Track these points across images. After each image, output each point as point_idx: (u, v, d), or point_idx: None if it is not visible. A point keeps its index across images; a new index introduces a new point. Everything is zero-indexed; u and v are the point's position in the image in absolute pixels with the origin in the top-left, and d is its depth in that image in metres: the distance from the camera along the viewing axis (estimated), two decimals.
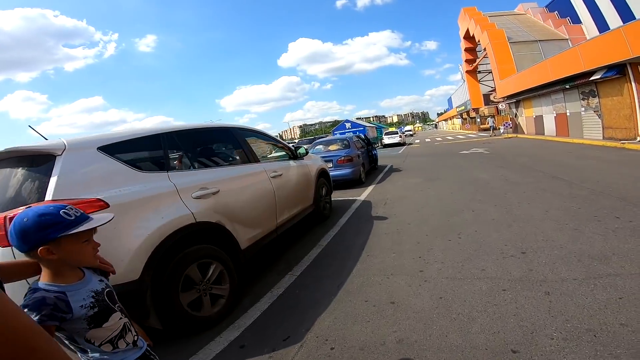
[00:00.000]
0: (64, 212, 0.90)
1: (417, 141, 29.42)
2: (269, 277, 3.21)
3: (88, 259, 0.98)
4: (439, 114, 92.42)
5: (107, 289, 1.04)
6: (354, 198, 6.48)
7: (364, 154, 9.19)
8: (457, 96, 44.15)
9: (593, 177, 5.55)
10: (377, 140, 29.61)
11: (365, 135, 11.27)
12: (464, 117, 41.58)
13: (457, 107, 43.77)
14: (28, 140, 2.88)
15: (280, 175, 3.70)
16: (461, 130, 41.22)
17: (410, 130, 56.49)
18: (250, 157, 3.44)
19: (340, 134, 28.00)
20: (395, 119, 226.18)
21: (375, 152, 10.12)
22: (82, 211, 0.95)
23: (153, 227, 2.12)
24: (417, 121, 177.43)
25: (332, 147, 8.70)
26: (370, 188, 7.41)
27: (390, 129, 33.11)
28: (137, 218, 2.07)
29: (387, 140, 26.17)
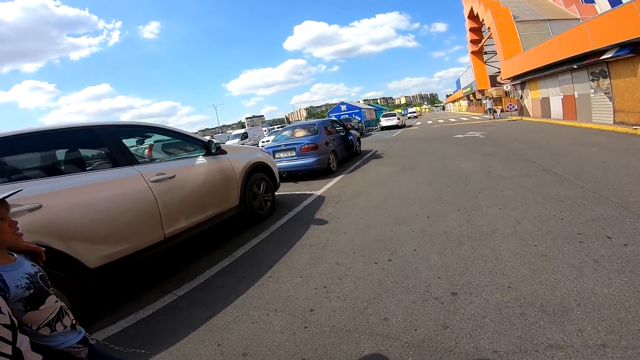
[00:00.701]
0: None
1: (418, 123, 27.99)
2: (150, 295, 2.64)
3: (7, 237, 0.99)
4: (447, 96, 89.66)
5: (40, 273, 1.05)
6: (311, 192, 5.61)
7: (338, 140, 8.22)
8: (465, 78, 42.26)
9: (592, 172, 4.54)
10: (375, 123, 28.36)
11: (340, 120, 10.24)
12: (470, 98, 39.78)
13: (463, 89, 41.89)
14: None
15: (172, 177, 2.88)
16: (467, 112, 39.55)
17: (414, 112, 54.61)
18: (118, 160, 2.63)
19: (336, 116, 26.89)
20: (403, 101, 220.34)
21: (352, 137, 9.11)
22: None
23: None
24: (425, 103, 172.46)
25: (298, 134, 7.75)
26: (336, 179, 6.52)
27: (389, 112, 31.70)
28: None
29: (384, 122, 24.97)
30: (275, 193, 4.91)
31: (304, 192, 5.73)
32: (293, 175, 7.20)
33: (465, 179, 5.10)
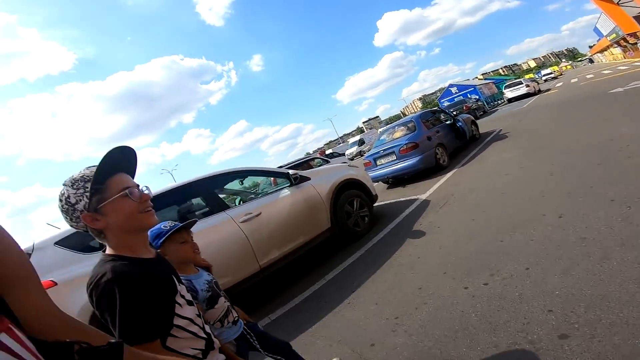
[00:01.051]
0: (163, 225, 1.26)
1: (559, 85, 21.73)
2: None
3: (188, 255, 1.30)
4: (590, 47, 66.73)
5: (214, 280, 1.35)
6: (415, 197, 5.16)
7: (445, 131, 7.29)
8: (603, 25, 31.05)
9: None
10: (500, 96, 23.73)
11: (443, 108, 9.03)
12: (622, 44, 28.73)
13: (607, 36, 31.07)
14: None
15: (258, 215, 3.24)
16: (624, 60, 28.54)
17: (551, 74, 43.68)
18: (213, 208, 3.18)
19: (449, 100, 24.15)
20: (532, 64, 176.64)
21: (461, 124, 7.85)
22: (175, 223, 1.29)
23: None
24: (564, 60, 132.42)
25: (396, 135, 7.31)
26: (447, 176, 5.80)
27: (513, 80, 25.93)
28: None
29: (509, 94, 20.63)
30: (377, 204, 4.76)
31: (408, 198, 5.33)
32: (400, 179, 6.83)
33: (628, 149, 3.56)
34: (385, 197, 6.21)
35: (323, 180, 4.03)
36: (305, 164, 13.47)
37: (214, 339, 1.04)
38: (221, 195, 3.69)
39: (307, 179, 3.87)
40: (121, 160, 0.90)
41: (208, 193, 3.28)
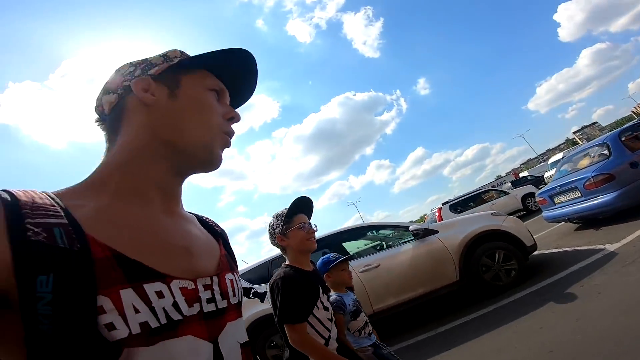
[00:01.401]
0: (331, 256, 1.78)
1: None
2: None
3: (345, 279, 1.75)
4: None
5: (357, 299, 1.74)
6: (601, 247, 4.06)
7: None
8: None
9: None
10: None
11: None
12: None
13: None
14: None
15: (377, 266, 3.90)
16: None
17: None
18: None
19: None
20: None
21: None
22: (339, 255, 1.79)
23: None
24: None
25: (582, 163, 5.80)
26: None
27: None
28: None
29: None
30: (551, 250, 4.16)
31: (592, 247, 4.24)
32: (591, 219, 5.37)
33: None
34: (566, 241, 5.09)
35: (453, 233, 4.11)
36: (478, 197, 12.32)
37: (333, 343, 1.33)
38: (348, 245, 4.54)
39: (434, 232, 4.11)
40: (302, 205, 1.43)
41: (336, 245, 4.24)
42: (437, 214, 12.05)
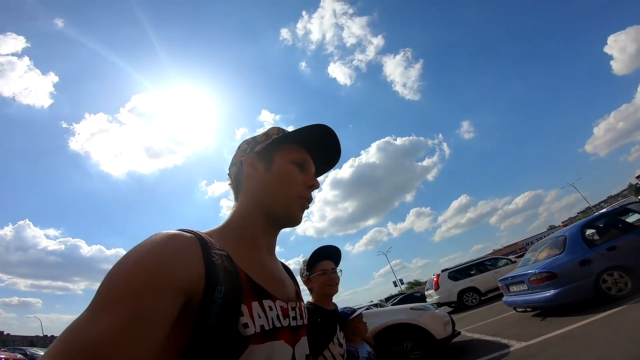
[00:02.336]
0: (347, 309, 1.85)
1: None
2: None
3: (362, 333, 1.87)
4: None
5: (372, 352, 1.83)
6: (509, 342, 4.38)
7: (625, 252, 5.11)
8: None
9: None
10: None
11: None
12: None
13: None
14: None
15: None
16: None
17: None
18: None
19: None
20: None
21: None
22: (354, 309, 1.87)
23: None
24: None
25: (540, 255, 5.96)
26: (597, 317, 4.27)
27: None
28: None
29: None
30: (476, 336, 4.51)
31: (498, 341, 4.65)
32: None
33: None
34: (501, 330, 5.35)
35: (371, 322, 4.55)
36: (481, 265, 12.06)
37: None
38: None
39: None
40: (326, 253, 1.56)
41: None
42: (434, 280, 11.96)
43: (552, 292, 5.02)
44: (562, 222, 53.17)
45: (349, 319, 1.80)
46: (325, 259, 1.56)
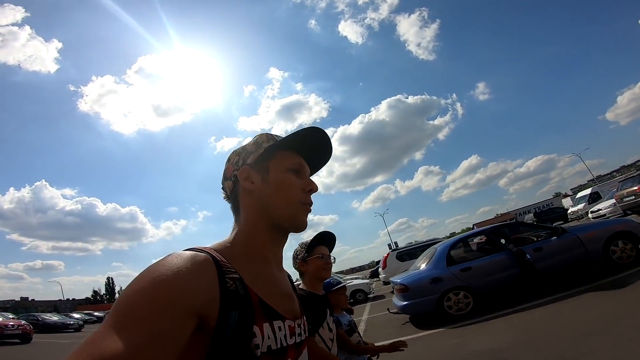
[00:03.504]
0: (332, 280, 1.93)
1: None
2: None
3: (342, 304, 1.99)
4: None
5: (352, 321, 1.97)
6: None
7: (494, 264, 5.56)
8: None
9: None
10: None
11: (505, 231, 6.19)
12: None
13: None
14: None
15: None
16: None
17: None
18: None
19: None
20: None
21: (530, 256, 5.40)
22: (339, 281, 1.99)
23: None
24: None
25: (421, 263, 6.46)
26: (422, 334, 4.99)
27: None
28: None
29: None
30: None
31: None
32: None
33: None
34: (370, 325, 6.04)
35: None
36: (428, 247, 12.59)
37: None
38: None
39: None
40: (325, 239, 1.61)
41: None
42: (384, 258, 12.76)
43: (404, 302, 5.71)
44: (571, 189, 52.01)
45: (332, 290, 1.89)
46: (324, 244, 1.61)
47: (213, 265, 0.54)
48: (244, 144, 0.75)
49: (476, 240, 6.36)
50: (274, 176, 0.68)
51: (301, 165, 0.72)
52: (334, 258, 1.61)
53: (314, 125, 0.71)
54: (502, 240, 6.01)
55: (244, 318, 0.54)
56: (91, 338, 0.42)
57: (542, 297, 5.09)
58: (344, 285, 2.00)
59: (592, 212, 16.23)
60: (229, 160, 0.74)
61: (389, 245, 47.33)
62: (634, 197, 12.83)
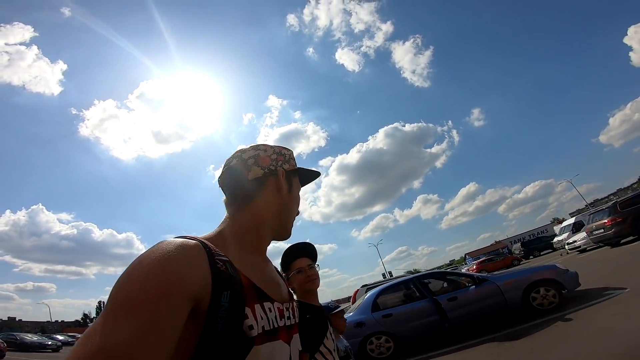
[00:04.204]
0: (330, 304, 2.02)
1: None
2: None
3: (340, 327, 1.99)
4: None
5: (349, 347, 1.96)
6: None
7: (420, 312, 5.97)
8: None
9: None
10: None
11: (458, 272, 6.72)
12: None
13: None
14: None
15: None
16: None
17: None
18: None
19: None
20: None
21: (444, 306, 5.62)
22: (337, 305, 2.05)
23: None
24: None
25: (355, 305, 6.84)
26: None
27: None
28: None
29: None
30: None
31: None
32: None
33: None
34: None
35: None
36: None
37: None
38: None
39: None
40: (297, 250, 1.56)
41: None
42: (354, 293, 12.97)
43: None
44: (570, 214, 51.31)
45: (330, 314, 1.88)
46: (299, 257, 1.54)
47: (203, 250, 0.55)
48: (275, 145, 0.79)
49: (404, 288, 6.74)
50: (295, 192, 0.79)
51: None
52: (318, 265, 1.56)
53: (318, 171, 0.86)
54: (429, 288, 6.39)
55: (235, 299, 0.54)
56: (92, 328, 0.43)
57: (454, 344, 5.44)
58: (342, 310, 2.02)
59: (568, 243, 16.27)
60: (265, 150, 0.76)
61: (383, 275, 46.71)
62: (602, 230, 12.98)
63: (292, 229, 0.80)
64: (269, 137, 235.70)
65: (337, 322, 1.96)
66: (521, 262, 24.04)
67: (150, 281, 0.46)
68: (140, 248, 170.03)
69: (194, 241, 0.55)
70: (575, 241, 15.30)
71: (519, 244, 31.04)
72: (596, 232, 13.33)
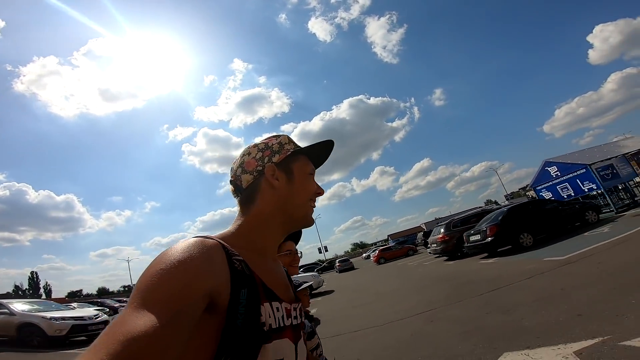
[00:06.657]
0: (296, 281, 1.79)
1: None
2: None
3: (305, 305, 1.81)
4: None
5: (312, 324, 1.81)
6: None
7: None
8: None
9: None
10: None
11: None
12: None
13: None
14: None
15: None
16: None
17: None
18: None
19: (539, 190, 14.68)
20: None
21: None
22: (301, 282, 1.78)
23: None
24: None
25: None
26: None
27: None
28: None
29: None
30: None
31: None
32: None
33: None
34: None
35: None
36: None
37: None
38: None
39: None
40: (293, 234, 1.54)
41: None
42: None
43: None
44: (504, 195, 55.60)
45: (297, 291, 2.14)
46: (290, 239, 1.55)
47: (222, 250, 0.58)
48: (263, 140, 0.78)
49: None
50: (298, 178, 0.75)
51: (314, 170, 0.81)
52: (301, 253, 1.57)
53: (329, 139, 0.80)
54: None
55: (252, 296, 0.58)
56: (120, 318, 0.46)
57: None
58: (306, 288, 1.96)
59: (427, 247, 17.43)
60: (249, 154, 0.76)
61: (319, 249, 48.67)
62: (436, 245, 14.10)
63: (311, 214, 0.78)
64: (230, 100, 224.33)
65: (302, 300, 2.10)
66: (416, 253, 25.69)
67: (173, 278, 0.50)
68: (81, 211, 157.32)
69: (213, 241, 0.59)
70: (431, 245, 16.01)
71: (421, 234, 32.50)
72: (433, 245, 14.53)
